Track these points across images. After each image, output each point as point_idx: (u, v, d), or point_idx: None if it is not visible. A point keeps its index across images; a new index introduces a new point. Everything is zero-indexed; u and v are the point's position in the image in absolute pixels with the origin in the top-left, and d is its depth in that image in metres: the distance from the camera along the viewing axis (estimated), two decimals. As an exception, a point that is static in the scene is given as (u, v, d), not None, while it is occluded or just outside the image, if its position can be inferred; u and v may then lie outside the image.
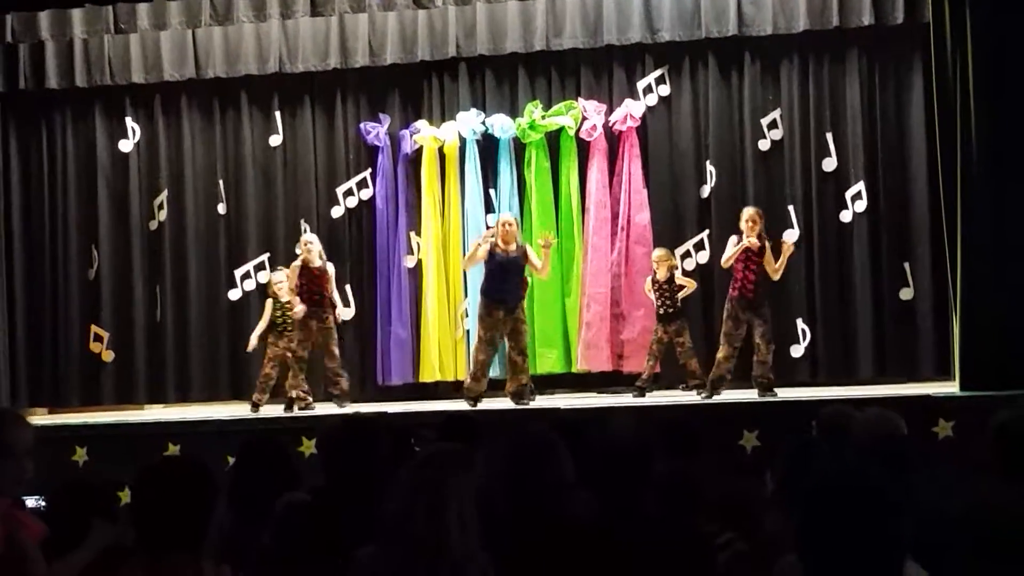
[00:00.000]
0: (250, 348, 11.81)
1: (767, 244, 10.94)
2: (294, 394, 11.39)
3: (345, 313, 12.52)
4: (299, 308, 11.35)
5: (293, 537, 4.33)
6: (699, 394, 10.98)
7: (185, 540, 3.63)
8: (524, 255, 11.20)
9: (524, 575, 3.68)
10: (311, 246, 11.57)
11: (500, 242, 11.16)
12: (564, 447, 3.99)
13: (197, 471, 3.73)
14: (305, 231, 12.44)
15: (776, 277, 11.08)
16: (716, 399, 10.85)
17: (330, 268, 11.64)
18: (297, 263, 11.58)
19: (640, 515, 3.91)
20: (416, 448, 6.03)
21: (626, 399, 11.32)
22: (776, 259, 10.96)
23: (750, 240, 10.87)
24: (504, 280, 11.08)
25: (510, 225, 11.25)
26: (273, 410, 11.49)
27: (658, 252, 11.58)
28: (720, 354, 10.97)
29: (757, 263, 10.91)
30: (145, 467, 3.74)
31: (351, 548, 3.80)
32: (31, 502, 4.37)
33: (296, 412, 11.31)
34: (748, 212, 11.10)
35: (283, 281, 11.61)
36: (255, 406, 11.51)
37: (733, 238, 11.12)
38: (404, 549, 3.55)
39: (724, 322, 11.04)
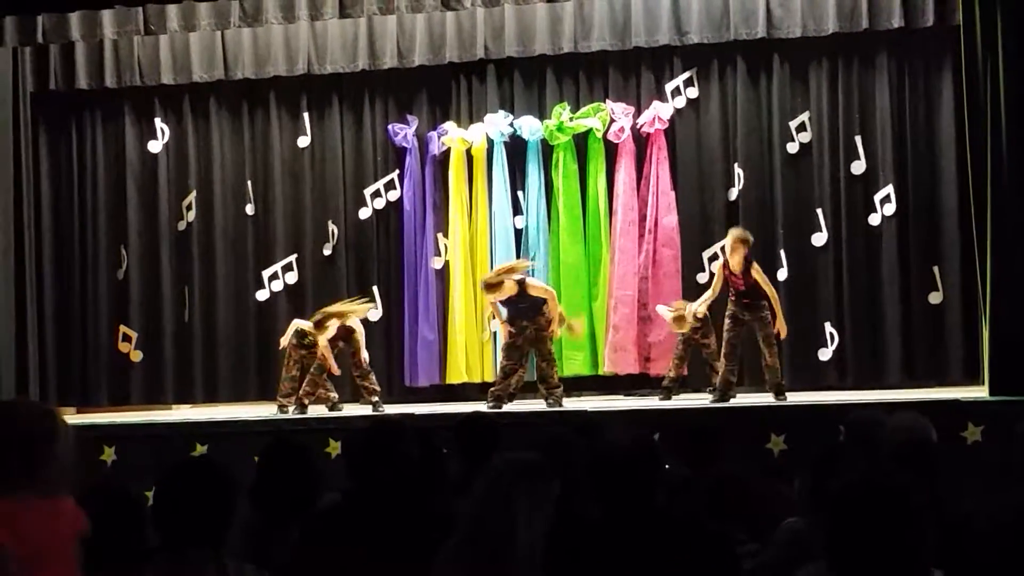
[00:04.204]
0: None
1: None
2: (307, 400, 11.30)
3: (372, 315, 12.54)
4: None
5: (325, 538, 4.35)
6: (710, 398, 10.82)
7: (207, 539, 3.65)
8: (540, 303, 10.99)
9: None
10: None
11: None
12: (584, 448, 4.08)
13: (217, 471, 3.75)
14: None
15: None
16: (742, 402, 10.79)
17: (360, 335, 11.54)
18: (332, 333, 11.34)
19: (651, 517, 3.94)
20: (444, 451, 6.01)
21: (650, 402, 11.28)
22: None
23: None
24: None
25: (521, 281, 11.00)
26: (313, 411, 11.36)
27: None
28: (721, 357, 10.82)
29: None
30: (166, 469, 3.77)
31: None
32: None
33: (327, 413, 11.28)
34: (736, 233, 10.91)
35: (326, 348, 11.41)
36: (283, 408, 11.46)
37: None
38: (477, 545, 3.88)
39: (724, 322, 10.81)
